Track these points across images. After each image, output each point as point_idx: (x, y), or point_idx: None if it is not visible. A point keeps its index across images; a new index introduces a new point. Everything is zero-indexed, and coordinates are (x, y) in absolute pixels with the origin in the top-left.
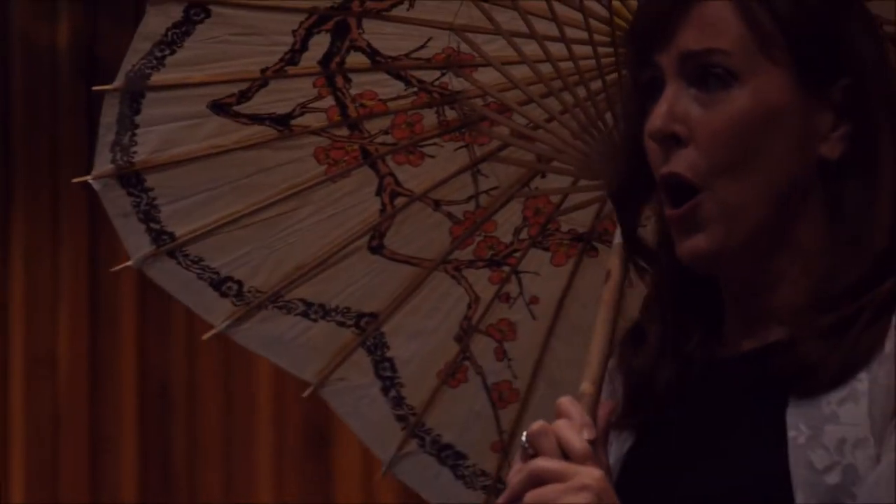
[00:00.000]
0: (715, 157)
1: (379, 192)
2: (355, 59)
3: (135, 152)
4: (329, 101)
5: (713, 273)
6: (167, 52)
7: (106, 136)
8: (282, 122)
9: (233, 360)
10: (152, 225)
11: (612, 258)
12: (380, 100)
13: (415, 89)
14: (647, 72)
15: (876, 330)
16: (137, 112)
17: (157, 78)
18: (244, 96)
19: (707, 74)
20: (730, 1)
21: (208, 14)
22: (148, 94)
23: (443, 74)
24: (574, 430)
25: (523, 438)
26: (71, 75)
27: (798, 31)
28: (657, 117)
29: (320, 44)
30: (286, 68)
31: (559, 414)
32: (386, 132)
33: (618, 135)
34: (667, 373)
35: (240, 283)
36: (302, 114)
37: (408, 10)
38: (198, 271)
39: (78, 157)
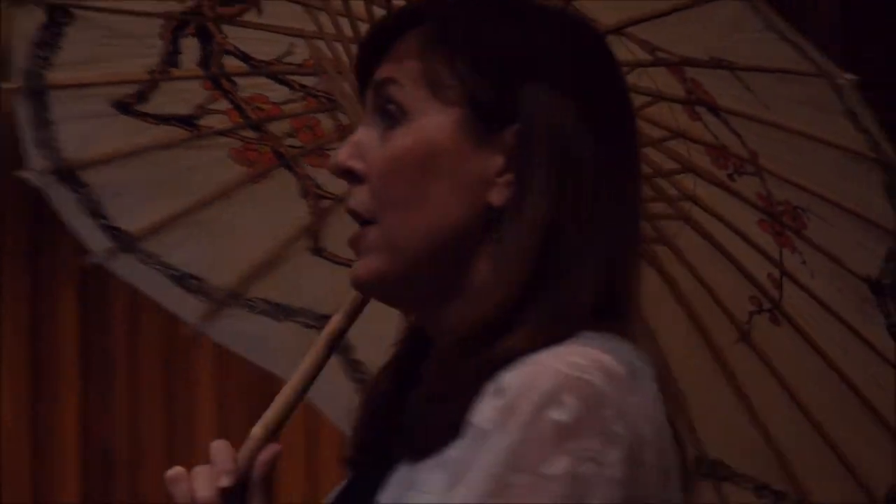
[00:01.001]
0: (380, 193)
1: (304, 195)
2: (231, 62)
3: (60, 148)
4: (225, 104)
5: (383, 301)
6: (49, 52)
7: (27, 132)
8: (188, 123)
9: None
10: (102, 220)
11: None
12: (272, 103)
13: (301, 94)
14: (364, 103)
15: (467, 398)
16: (46, 109)
17: (52, 77)
18: (142, 97)
19: (385, 108)
20: (416, 39)
21: (73, 17)
22: (50, 92)
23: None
24: (205, 478)
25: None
26: None
27: (471, 72)
28: (341, 151)
29: (191, 47)
30: (170, 70)
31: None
32: (291, 135)
33: None
34: (379, 421)
35: (199, 279)
36: (203, 115)
37: (258, 15)
38: (158, 268)
39: None
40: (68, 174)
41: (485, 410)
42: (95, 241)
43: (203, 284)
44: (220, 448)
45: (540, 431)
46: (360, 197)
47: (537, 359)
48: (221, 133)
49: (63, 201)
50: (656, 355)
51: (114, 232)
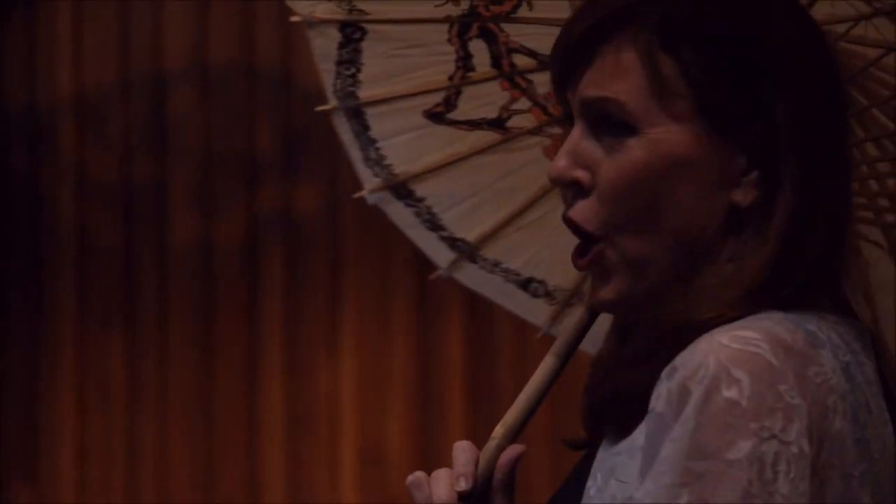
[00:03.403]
0: (612, 209)
1: None
2: (521, 60)
3: (389, 165)
4: (526, 103)
5: (627, 321)
6: (353, 69)
7: (354, 152)
8: (498, 126)
9: None
10: (441, 233)
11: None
12: None
13: None
14: (564, 106)
15: (645, 372)
16: (367, 128)
17: (363, 94)
18: (449, 104)
19: (606, 122)
20: (634, 46)
21: (364, 31)
22: (366, 109)
23: None
24: (445, 481)
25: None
26: None
27: (704, 77)
28: (559, 159)
29: (480, 49)
30: (468, 74)
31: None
32: None
33: None
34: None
35: (543, 282)
36: (510, 116)
37: (529, 10)
38: (502, 274)
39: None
40: (403, 189)
41: (661, 394)
42: (440, 254)
43: (546, 286)
44: (461, 449)
45: (715, 414)
46: (587, 211)
47: (706, 336)
48: (531, 132)
49: (402, 217)
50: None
51: (455, 243)
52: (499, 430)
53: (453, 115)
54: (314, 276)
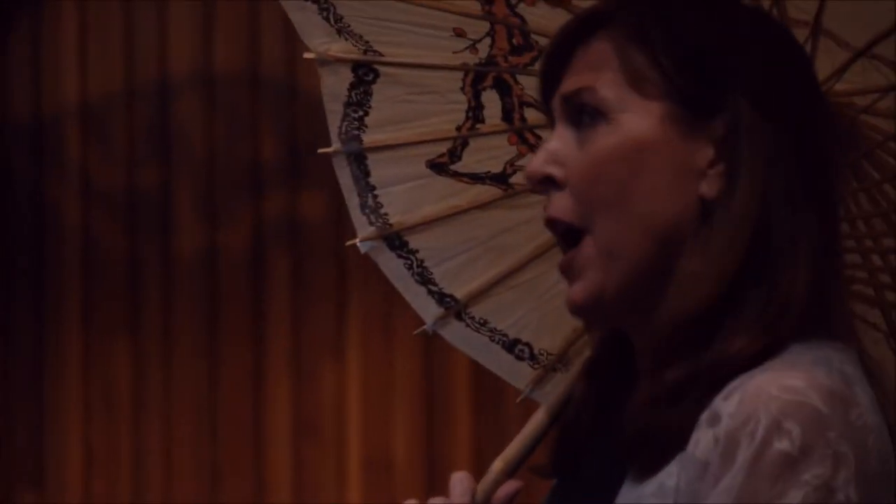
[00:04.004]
0: (585, 195)
1: None
2: (533, 115)
3: (385, 214)
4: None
5: (599, 325)
6: (361, 112)
7: (351, 198)
8: (501, 181)
9: None
10: (431, 287)
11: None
12: None
13: None
14: (549, 113)
15: (685, 414)
16: (368, 174)
17: (367, 139)
18: (454, 155)
19: (581, 114)
20: (607, 40)
21: (377, 73)
22: (369, 154)
23: None
24: None
25: None
26: None
27: (674, 65)
28: (535, 159)
29: (492, 100)
30: (477, 126)
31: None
32: None
33: None
34: (583, 429)
35: (529, 344)
36: (514, 172)
37: None
38: (488, 334)
39: None
40: (397, 240)
41: (701, 441)
42: (427, 309)
43: (532, 349)
44: (458, 480)
45: (768, 466)
46: (562, 203)
47: (752, 383)
48: (534, 190)
49: (393, 269)
50: (871, 357)
51: (444, 298)
52: (498, 465)
53: (456, 167)
54: (319, 284)
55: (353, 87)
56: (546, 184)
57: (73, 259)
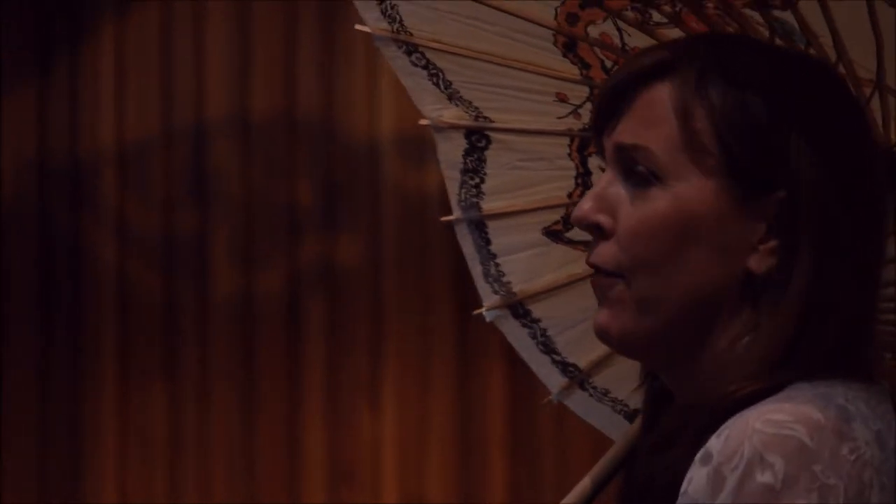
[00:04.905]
0: (632, 253)
1: None
2: None
3: (508, 282)
4: None
5: (627, 355)
6: (477, 179)
7: (474, 266)
8: None
9: None
10: (555, 357)
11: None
12: None
13: None
14: (600, 150)
15: (679, 455)
16: (489, 242)
17: (486, 206)
18: (567, 223)
19: (635, 168)
20: (669, 98)
21: (489, 140)
22: (488, 222)
23: None
24: None
25: None
26: None
27: (734, 137)
28: (584, 202)
29: (599, 166)
30: (586, 192)
31: None
32: None
33: None
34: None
35: None
36: None
37: None
38: (610, 404)
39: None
40: (521, 309)
41: (695, 479)
42: (551, 379)
43: None
44: None
45: (750, 498)
46: (606, 253)
47: (740, 420)
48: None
49: (518, 337)
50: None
51: (567, 368)
52: (586, 481)
53: (570, 235)
54: (355, 328)
55: (467, 153)
56: (594, 230)
57: (109, 302)
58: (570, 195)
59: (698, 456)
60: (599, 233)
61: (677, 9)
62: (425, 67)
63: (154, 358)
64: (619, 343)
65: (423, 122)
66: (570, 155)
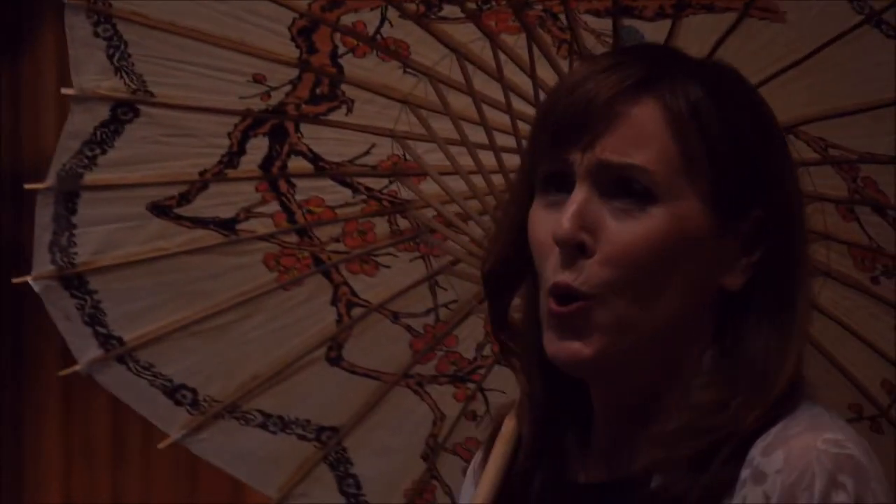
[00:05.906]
0: (618, 272)
1: (334, 302)
2: (297, 163)
3: (75, 253)
4: (274, 207)
5: (587, 380)
6: (98, 151)
7: (42, 236)
8: (227, 227)
9: None
10: (99, 329)
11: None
12: (327, 206)
13: (363, 197)
14: (555, 165)
15: (734, 463)
16: (73, 212)
17: (90, 178)
18: (185, 199)
19: (624, 187)
20: (661, 111)
21: (137, 113)
22: (83, 193)
23: (391, 182)
24: None
25: None
26: None
27: (724, 157)
28: (567, 221)
29: (259, 147)
30: (226, 171)
31: None
32: (337, 240)
33: (500, 216)
34: (535, 482)
35: (194, 391)
36: (247, 219)
37: (346, 114)
38: (149, 378)
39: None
40: (76, 280)
41: (749, 497)
42: (84, 351)
43: (196, 396)
44: None
45: None
46: (588, 272)
47: (793, 439)
48: (261, 237)
49: (60, 308)
50: None
51: (109, 341)
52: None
53: (182, 210)
54: None
55: (103, 125)
56: (574, 249)
57: None
58: (202, 172)
59: (746, 474)
60: (580, 251)
61: (484, 7)
62: (108, 39)
63: None
64: (595, 368)
65: (66, 91)
66: (230, 134)
